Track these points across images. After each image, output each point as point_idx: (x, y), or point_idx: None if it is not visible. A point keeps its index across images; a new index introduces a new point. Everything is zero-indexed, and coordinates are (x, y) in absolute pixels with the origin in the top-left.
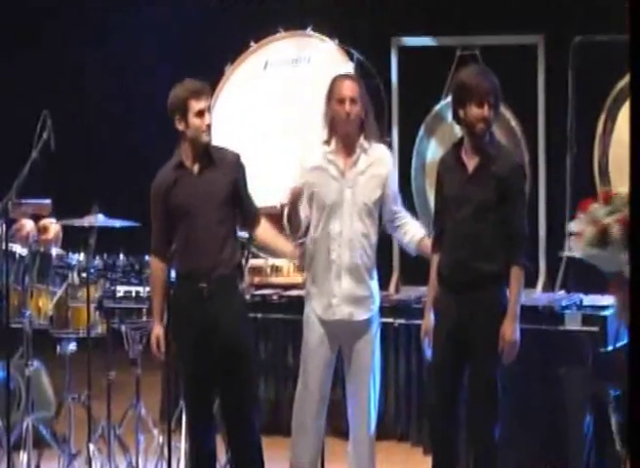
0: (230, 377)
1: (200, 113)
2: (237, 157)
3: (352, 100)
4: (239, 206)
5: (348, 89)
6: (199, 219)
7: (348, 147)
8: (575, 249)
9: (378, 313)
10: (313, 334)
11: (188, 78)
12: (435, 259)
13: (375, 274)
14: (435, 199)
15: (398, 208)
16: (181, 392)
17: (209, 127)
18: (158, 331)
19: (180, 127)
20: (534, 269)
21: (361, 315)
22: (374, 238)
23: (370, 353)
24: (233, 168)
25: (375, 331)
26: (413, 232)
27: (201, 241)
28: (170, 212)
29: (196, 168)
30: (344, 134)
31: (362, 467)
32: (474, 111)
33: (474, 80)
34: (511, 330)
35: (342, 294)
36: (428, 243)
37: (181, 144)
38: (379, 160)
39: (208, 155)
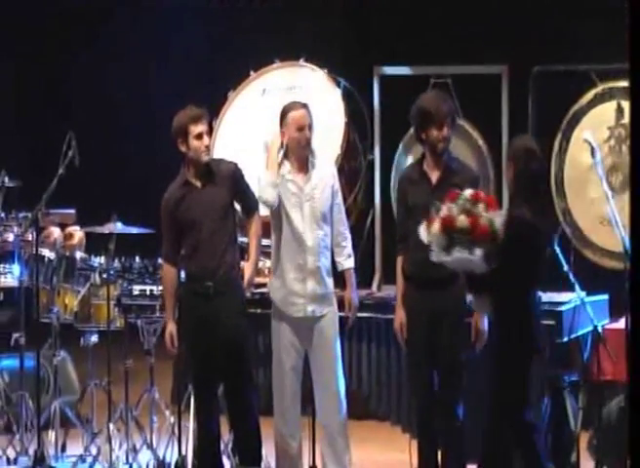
0: (231, 366)
1: (199, 136)
2: (234, 165)
3: (309, 127)
4: (240, 199)
5: (305, 117)
6: (204, 228)
7: (302, 166)
8: (419, 233)
9: (335, 306)
10: (284, 334)
11: (190, 105)
12: (400, 261)
13: (330, 272)
14: (399, 209)
15: (342, 216)
16: (190, 378)
17: (207, 148)
18: (171, 328)
19: (183, 148)
20: None
21: (323, 310)
22: (329, 239)
23: (333, 344)
24: (231, 177)
25: (335, 324)
26: (342, 259)
27: (207, 246)
28: (179, 223)
29: (199, 183)
30: (303, 156)
31: (338, 453)
32: (435, 133)
33: (433, 105)
34: (483, 321)
35: (308, 295)
36: (348, 277)
37: (185, 164)
38: (327, 172)
39: (208, 170)
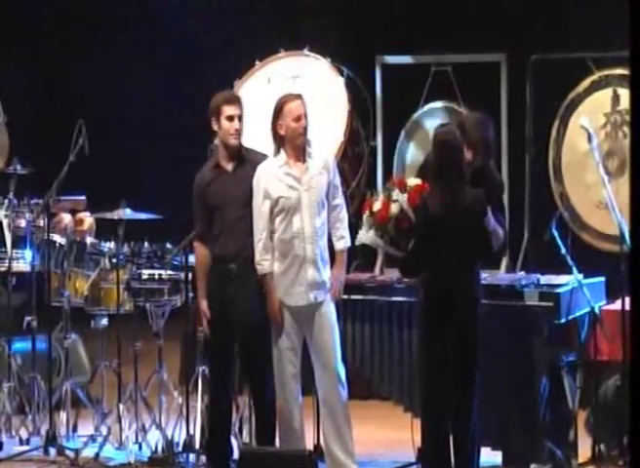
0: (248, 346)
1: (230, 118)
2: (265, 157)
3: (305, 116)
4: None
5: (301, 107)
6: (231, 211)
7: (300, 156)
8: None
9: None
10: (284, 318)
11: (227, 89)
12: None
13: (327, 259)
14: None
15: (337, 201)
16: (202, 359)
17: (237, 131)
18: (205, 306)
19: (215, 128)
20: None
21: (321, 297)
22: (326, 226)
23: (332, 328)
24: None
25: (332, 308)
26: (335, 240)
27: (231, 230)
28: (208, 205)
29: (230, 167)
30: (300, 145)
31: (339, 432)
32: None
33: (472, 130)
34: None
35: (307, 283)
36: (339, 257)
37: (218, 147)
38: (324, 160)
39: (240, 156)
